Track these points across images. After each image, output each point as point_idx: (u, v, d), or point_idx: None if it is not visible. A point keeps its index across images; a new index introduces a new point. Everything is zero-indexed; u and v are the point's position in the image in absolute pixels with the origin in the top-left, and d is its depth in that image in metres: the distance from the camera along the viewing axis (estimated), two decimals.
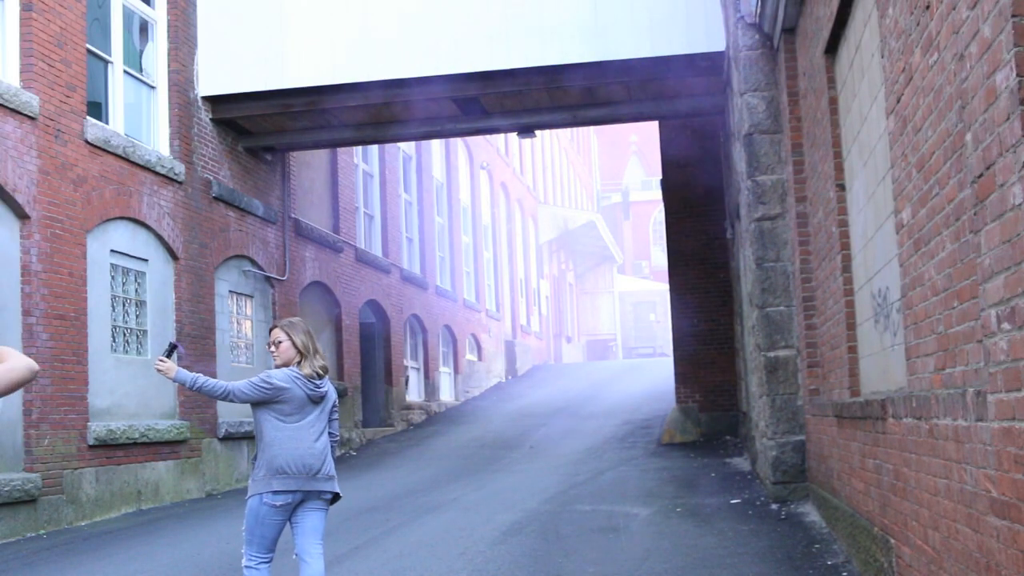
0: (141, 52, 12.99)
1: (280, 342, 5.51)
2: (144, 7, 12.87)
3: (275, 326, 5.65)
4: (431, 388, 22.82)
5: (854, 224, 6.77)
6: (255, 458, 5.42)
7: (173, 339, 5.51)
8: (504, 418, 20.81)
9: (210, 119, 13.73)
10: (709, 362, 16.51)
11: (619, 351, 51.36)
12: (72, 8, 10.99)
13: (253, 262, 14.67)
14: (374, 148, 20.42)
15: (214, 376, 13.10)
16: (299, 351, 5.50)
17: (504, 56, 12.84)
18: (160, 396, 12.27)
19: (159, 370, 5.37)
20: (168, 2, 13.13)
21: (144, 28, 13.04)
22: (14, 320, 9.90)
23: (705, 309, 16.66)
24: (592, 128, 51.72)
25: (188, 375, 5.36)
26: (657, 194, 24.24)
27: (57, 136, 10.57)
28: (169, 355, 5.44)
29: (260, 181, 15.08)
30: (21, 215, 10.04)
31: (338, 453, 5.61)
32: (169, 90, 13.01)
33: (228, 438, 13.49)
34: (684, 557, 7.29)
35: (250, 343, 14.73)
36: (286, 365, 5.47)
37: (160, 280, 12.44)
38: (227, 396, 5.33)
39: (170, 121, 12.98)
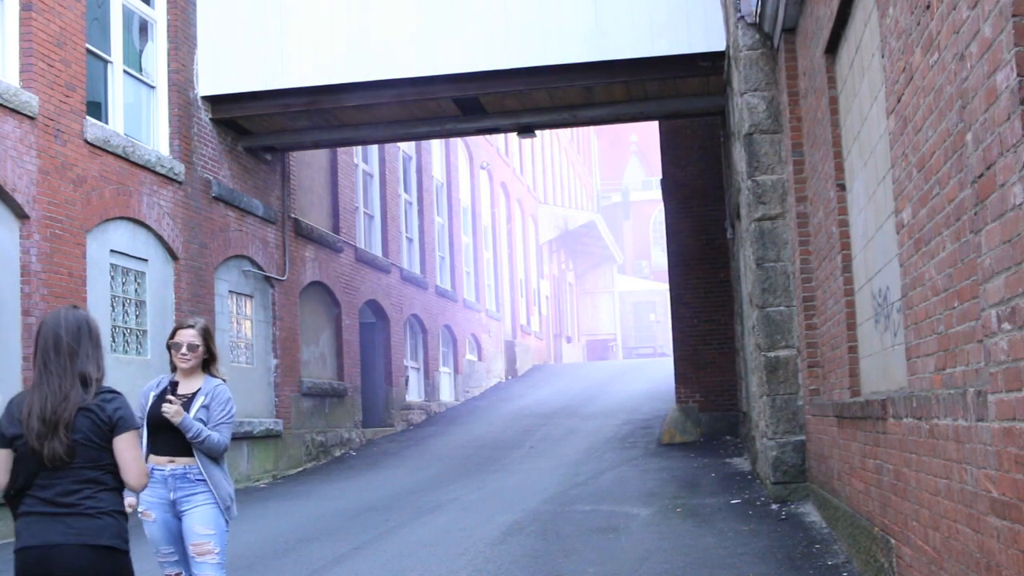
0: (141, 52, 12.99)
1: (197, 347, 5.22)
2: (144, 7, 12.86)
3: (187, 326, 5.28)
4: (431, 388, 22.82)
5: (854, 224, 6.77)
6: (223, 476, 5.19)
7: (170, 377, 5.35)
8: (504, 418, 20.81)
9: (210, 119, 13.73)
10: (709, 362, 16.51)
11: (619, 351, 51.37)
12: (72, 8, 10.99)
13: (253, 262, 14.67)
14: (374, 148, 20.42)
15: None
16: (213, 356, 5.29)
17: (504, 56, 12.84)
18: None
19: (167, 413, 5.00)
20: (168, 2, 13.13)
21: (144, 28, 13.03)
22: (14, 320, 9.90)
23: (705, 309, 16.66)
24: (592, 128, 51.73)
25: (195, 425, 5.04)
26: (657, 194, 24.28)
27: (57, 136, 10.56)
28: (174, 392, 5.11)
29: (260, 181, 15.07)
30: (21, 215, 10.04)
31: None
32: (169, 90, 13.01)
33: None
34: (684, 557, 7.29)
35: (250, 343, 14.73)
36: (191, 372, 5.22)
37: (160, 280, 12.43)
38: (225, 450, 5.18)
39: (170, 121, 12.98)
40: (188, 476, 5.09)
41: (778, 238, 9.43)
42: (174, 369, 5.32)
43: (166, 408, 4.97)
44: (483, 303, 29.30)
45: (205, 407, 5.11)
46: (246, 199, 14.40)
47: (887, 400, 5.20)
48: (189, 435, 5.01)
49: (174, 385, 5.11)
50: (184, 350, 5.20)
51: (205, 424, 5.08)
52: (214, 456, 5.14)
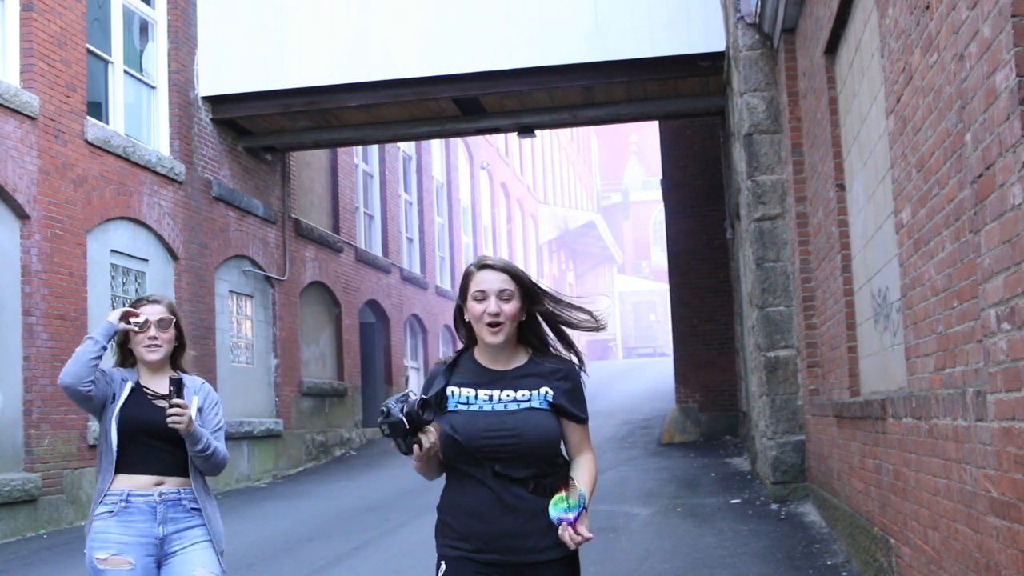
0: (141, 52, 12.99)
1: (169, 326, 3.89)
2: (144, 7, 12.87)
3: (150, 300, 3.93)
4: None
5: (854, 224, 6.78)
6: (216, 508, 3.98)
7: (176, 374, 3.89)
8: None
9: (210, 119, 13.73)
10: (709, 362, 16.51)
11: (619, 351, 51.38)
12: (72, 8, 10.99)
13: (253, 262, 14.67)
14: (374, 148, 20.43)
15: (215, 382, 13.11)
16: (184, 344, 4.01)
17: (504, 56, 12.84)
18: None
19: (175, 419, 3.64)
20: (168, 2, 13.13)
21: (144, 28, 13.04)
22: (14, 320, 9.90)
23: (705, 309, 16.67)
24: (592, 128, 51.75)
25: (205, 434, 3.77)
26: (657, 194, 24.29)
27: (57, 136, 10.57)
28: (180, 393, 3.71)
29: (260, 181, 15.08)
30: (21, 215, 10.04)
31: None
32: (169, 90, 13.01)
33: (228, 438, 13.45)
34: (684, 557, 7.29)
35: (250, 343, 14.74)
36: (160, 366, 3.90)
37: (160, 280, 12.44)
38: (224, 466, 3.97)
39: (170, 121, 12.98)
40: (183, 503, 3.77)
41: (778, 238, 9.44)
42: (123, 365, 3.97)
43: (175, 417, 3.63)
44: None
45: (199, 410, 3.86)
46: (246, 199, 14.41)
47: (887, 400, 5.21)
48: (197, 447, 3.71)
49: (177, 384, 3.72)
50: (153, 331, 3.83)
51: None
52: (210, 474, 3.91)
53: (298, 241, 16.15)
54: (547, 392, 2.89)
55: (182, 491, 3.75)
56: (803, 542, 7.51)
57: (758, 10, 9.30)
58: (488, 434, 2.81)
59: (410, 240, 23.08)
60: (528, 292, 2.89)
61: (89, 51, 11.52)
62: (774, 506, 9.10)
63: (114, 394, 3.80)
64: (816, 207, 8.15)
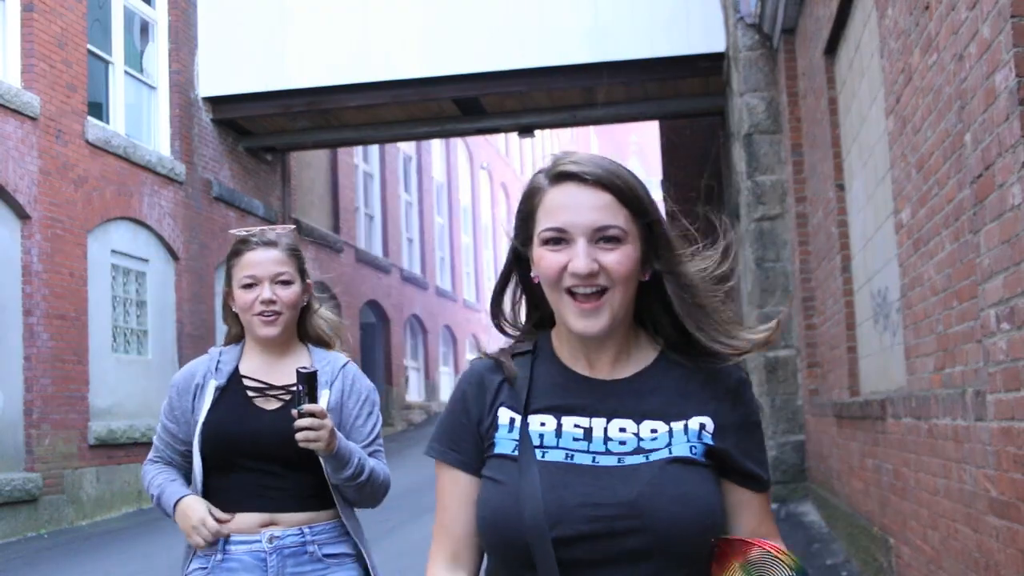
0: (142, 52, 13.00)
1: (290, 284, 2.67)
2: (145, 7, 12.87)
3: (266, 243, 2.75)
4: (431, 388, 22.83)
5: (854, 224, 6.78)
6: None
7: (305, 365, 2.41)
8: None
9: (210, 119, 13.73)
10: None
11: None
12: (73, 9, 10.99)
13: None
14: (374, 148, 20.44)
15: None
16: (311, 303, 2.77)
17: (504, 56, 12.85)
18: (160, 396, 12.19)
19: (308, 437, 2.43)
20: (168, 2, 13.14)
21: (145, 28, 13.04)
22: (15, 320, 9.91)
23: None
24: (592, 128, 51.73)
25: (356, 452, 2.66)
26: (657, 194, 24.28)
27: (58, 136, 10.57)
28: (312, 396, 2.44)
29: (260, 181, 15.08)
30: (22, 215, 10.05)
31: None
32: (170, 90, 13.02)
33: None
34: None
35: None
36: (281, 341, 2.67)
37: (160, 280, 12.44)
38: (387, 492, 2.87)
39: (171, 121, 12.99)
40: (309, 550, 2.59)
41: (778, 238, 9.45)
42: (237, 340, 2.77)
43: (307, 431, 2.44)
44: (483, 303, 29.32)
45: (335, 410, 2.67)
46: (247, 199, 14.42)
47: (886, 400, 5.21)
48: (345, 474, 2.59)
49: (309, 380, 2.45)
50: (267, 291, 2.62)
51: None
52: (364, 506, 2.79)
53: (298, 241, 16.14)
54: (702, 425, 1.50)
55: (307, 531, 2.59)
56: (803, 542, 7.51)
57: (758, 10, 9.31)
58: (587, 512, 1.41)
59: (410, 240, 23.09)
60: (653, 230, 1.48)
61: (90, 51, 11.52)
62: (774, 506, 9.09)
63: (197, 410, 2.67)
64: (816, 207, 8.16)
